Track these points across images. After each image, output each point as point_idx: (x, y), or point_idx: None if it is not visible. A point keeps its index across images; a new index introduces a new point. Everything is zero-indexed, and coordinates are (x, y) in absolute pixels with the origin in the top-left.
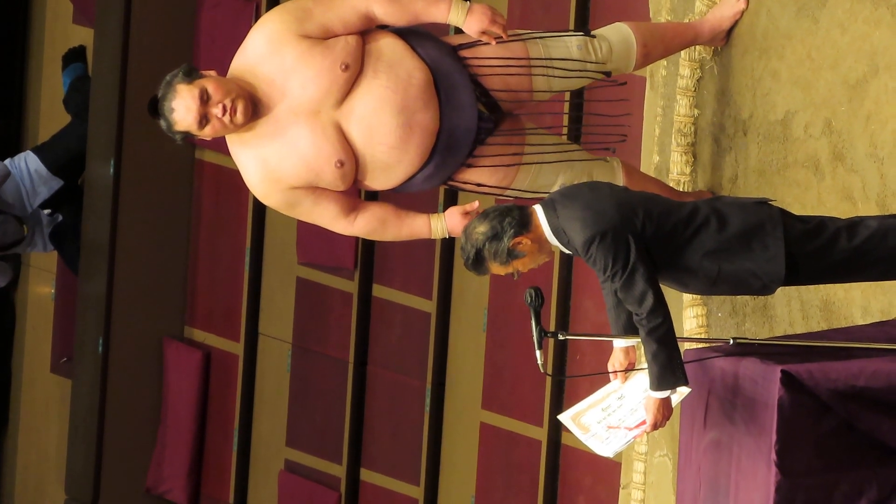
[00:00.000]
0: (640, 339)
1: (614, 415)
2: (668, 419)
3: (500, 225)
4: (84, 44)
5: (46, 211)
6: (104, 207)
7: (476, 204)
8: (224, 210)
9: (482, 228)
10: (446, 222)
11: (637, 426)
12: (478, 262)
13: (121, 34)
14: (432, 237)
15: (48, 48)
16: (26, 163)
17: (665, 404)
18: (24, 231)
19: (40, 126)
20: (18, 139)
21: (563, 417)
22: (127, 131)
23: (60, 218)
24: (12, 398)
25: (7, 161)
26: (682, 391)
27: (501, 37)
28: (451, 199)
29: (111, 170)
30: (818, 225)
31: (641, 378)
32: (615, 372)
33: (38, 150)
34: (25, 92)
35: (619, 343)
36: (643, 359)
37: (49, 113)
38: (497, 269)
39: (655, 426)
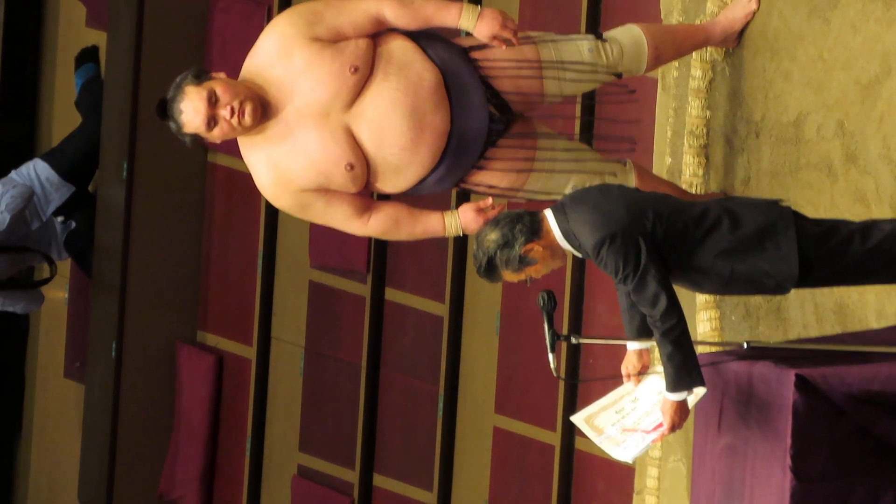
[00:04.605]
0: (654, 342)
1: (629, 417)
2: (685, 421)
3: (510, 232)
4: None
5: (59, 218)
6: (117, 212)
7: (489, 200)
8: (236, 214)
9: (493, 236)
10: (460, 219)
11: (654, 429)
12: (490, 270)
13: (133, 37)
14: (446, 235)
15: (61, 52)
16: (36, 171)
17: (682, 406)
18: (54, 270)
19: (53, 130)
20: (31, 144)
21: (576, 419)
22: (139, 135)
23: (73, 225)
24: (26, 403)
25: (13, 172)
26: (699, 392)
27: (512, 41)
28: (464, 202)
29: (124, 174)
30: (831, 227)
31: (655, 380)
32: (629, 375)
33: (48, 157)
34: (38, 96)
35: (633, 346)
36: (657, 361)
37: (62, 117)
38: (510, 276)
39: (673, 428)
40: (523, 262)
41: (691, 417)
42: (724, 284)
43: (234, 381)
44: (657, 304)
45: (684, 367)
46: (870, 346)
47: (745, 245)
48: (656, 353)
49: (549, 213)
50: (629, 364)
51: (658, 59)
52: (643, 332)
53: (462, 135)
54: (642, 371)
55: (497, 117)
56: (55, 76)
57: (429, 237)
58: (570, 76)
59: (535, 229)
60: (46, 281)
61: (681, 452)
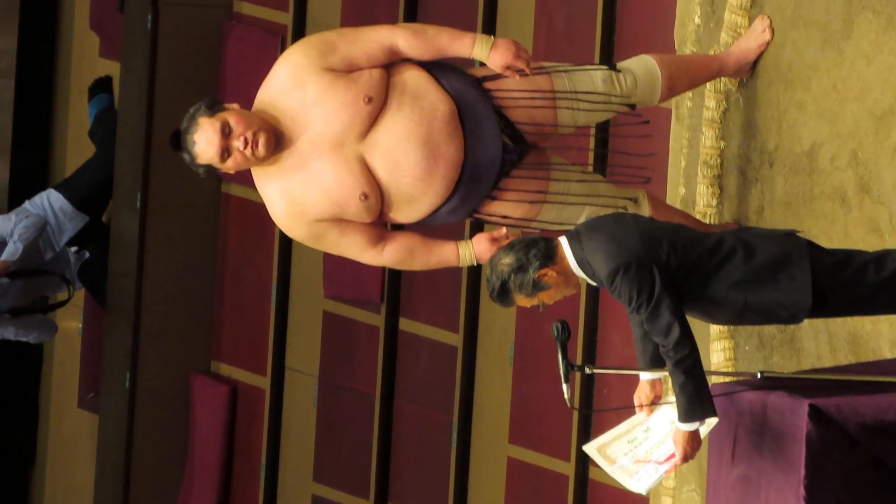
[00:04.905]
0: (666, 371)
1: (641, 447)
2: (697, 451)
3: (525, 257)
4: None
5: (73, 248)
6: (130, 242)
7: (503, 230)
8: (250, 244)
9: (507, 260)
10: (474, 249)
11: (666, 459)
12: (503, 294)
13: (147, 68)
14: (460, 265)
15: (74, 82)
16: (49, 201)
17: (694, 436)
18: (71, 292)
19: (67, 160)
20: (45, 174)
21: (588, 448)
22: (153, 165)
23: (87, 255)
24: (40, 433)
25: (27, 202)
26: (711, 422)
27: (525, 71)
28: (478, 231)
29: (137, 203)
30: (845, 257)
31: (667, 410)
32: (641, 405)
33: (61, 187)
34: (52, 126)
35: (646, 375)
36: (670, 392)
37: (75, 147)
38: (522, 300)
39: (685, 459)
40: (537, 286)
41: (704, 447)
42: (737, 315)
43: (248, 411)
44: (670, 333)
45: (696, 397)
46: (884, 376)
47: (759, 276)
48: (669, 383)
49: (563, 241)
50: (642, 394)
51: (672, 90)
52: (656, 362)
53: (475, 165)
54: (655, 401)
55: (511, 147)
56: (69, 106)
57: (443, 267)
58: (584, 106)
59: (549, 255)
60: (62, 304)
61: (695, 482)
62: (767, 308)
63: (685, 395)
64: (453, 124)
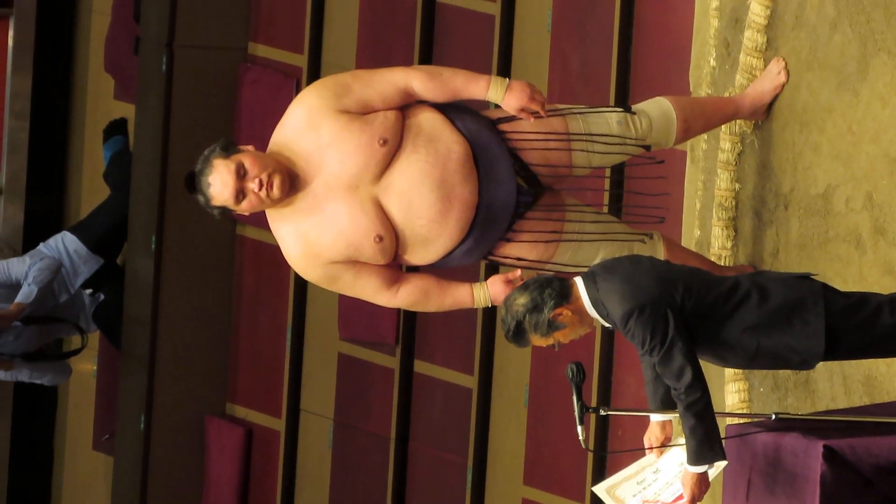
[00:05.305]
0: (677, 413)
1: (650, 489)
2: (705, 493)
3: (540, 296)
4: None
5: (88, 291)
6: (146, 284)
7: (518, 272)
8: (265, 286)
9: (522, 300)
10: (489, 290)
11: (674, 501)
12: (518, 334)
13: (162, 110)
14: (475, 306)
15: (89, 124)
16: (64, 244)
17: (702, 479)
18: (85, 340)
19: (81, 203)
20: (59, 216)
21: (598, 489)
22: (168, 207)
23: (102, 297)
24: (55, 475)
25: (42, 245)
26: (719, 465)
27: (540, 114)
28: (493, 273)
29: (152, 246)
30: (860, 300)
31: (677, 452)
32: (652, 447)
33: (76, 230)
34: (66, 168)
35: (656, 417)
36: (680, 433)
37: (90, 189)
38: (538, 340)
39: (693, 501)
40: (552, 326)
41: (718, 489)
42: (749, 359)
43: (263, 453)
44: (682, 376)
45: (706, 440)
46: None
47: (773, 320)
48: (680, 425)
49: (579, 281)
50: (652, 435)
51: (687, 132)
52: (667, 404)
53: (490, 207)
54: (665, 443)
55: (525, 189)
56: (83, 148)
57: (458, 308)
58: (599, 148)
59: (564, 294)
60: (76, 352)
61: None
62: (780, 353)
63: (695, 438)
64: (468, 166)
